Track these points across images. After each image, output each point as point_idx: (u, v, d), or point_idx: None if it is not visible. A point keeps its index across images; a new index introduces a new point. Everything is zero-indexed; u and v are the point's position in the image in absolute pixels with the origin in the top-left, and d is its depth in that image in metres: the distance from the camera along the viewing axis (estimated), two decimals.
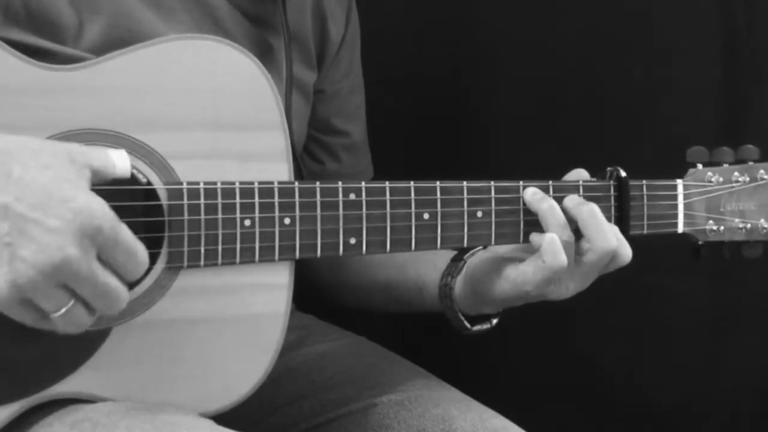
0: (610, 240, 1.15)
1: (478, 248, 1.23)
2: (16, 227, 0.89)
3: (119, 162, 0.96)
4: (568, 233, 1.15)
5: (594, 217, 1.16)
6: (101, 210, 0.91)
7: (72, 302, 0.92)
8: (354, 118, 1.44)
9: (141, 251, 0.94)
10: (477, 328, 1.27)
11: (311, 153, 1.41)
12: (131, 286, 1.04)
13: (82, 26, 1.10)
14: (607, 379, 1.74)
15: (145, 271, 0.96)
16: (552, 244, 1.14)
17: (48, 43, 1.08)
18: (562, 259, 1.14)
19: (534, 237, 1.17)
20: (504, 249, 1.21)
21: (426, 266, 1.31)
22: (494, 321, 1.27)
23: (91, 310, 0.94)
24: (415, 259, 1.32)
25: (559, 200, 1.17)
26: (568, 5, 1.67)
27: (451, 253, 1.27)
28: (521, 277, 1.17)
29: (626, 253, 1.18)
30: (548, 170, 1.21)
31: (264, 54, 1.21)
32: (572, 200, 1.18)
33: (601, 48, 1.65)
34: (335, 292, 1.45)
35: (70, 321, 0.93)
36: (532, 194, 1.17)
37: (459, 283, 1.26)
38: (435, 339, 1.64)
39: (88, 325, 0.95)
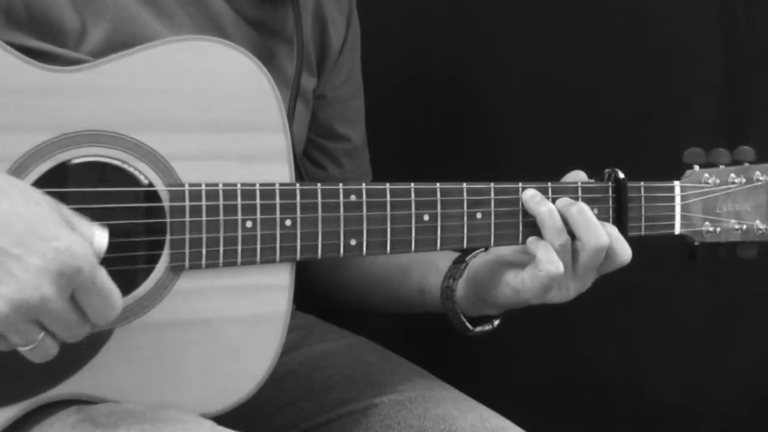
0: (600, 236, 1.15)
1: (480, 249, 1.22)
2: None
3: (99, 235, 0.94)
4: (565, 237, 1.15)
5: (582, 214, 1.16)
6: (83, 252, 0.90)
7: (41, 336, 0.92)
8: (355, 122, 1.44)
9: (116, 296, 0.94)
10: (479, 329, 1.26)
11: (313, 158, 1.41)
12: (132, 288, 1.05)
13: (86, 30, 1.10)
14: (607, 380, 1.74)
15: (117, 315, 0.95)
16: (546, 252, 1.14)
17: (50, 47, 1.07)
18: (558, 266, 1.14)
19: (530, 243, 1.17)
20: (506, 251, 1.21)
21: (428, 268, 1.31)
22: (496, 322, 1.26)
23: (58, 342, 0.94)
24: (417, 261, 1.32)
25: (555, 202, 1.17)
26: (567, 5, 1.67)
27: (454, 254, 1.26)
28: (521, 284, 1.17)
29: (624, 251, 1.18)
30: (547, 172, 1.21)
31: (266, 59, 1.20)
32: (562, 202, 1.17)
33: (600, 49, 1.65)
34: (336, 291, 1.44)
35: (38, 353, 0.93)
36: (531, 197, 1.17)
37: (461, 286, 1.25)
38: (435, 339, 1.65)
39: (55, 354, 0.94)
